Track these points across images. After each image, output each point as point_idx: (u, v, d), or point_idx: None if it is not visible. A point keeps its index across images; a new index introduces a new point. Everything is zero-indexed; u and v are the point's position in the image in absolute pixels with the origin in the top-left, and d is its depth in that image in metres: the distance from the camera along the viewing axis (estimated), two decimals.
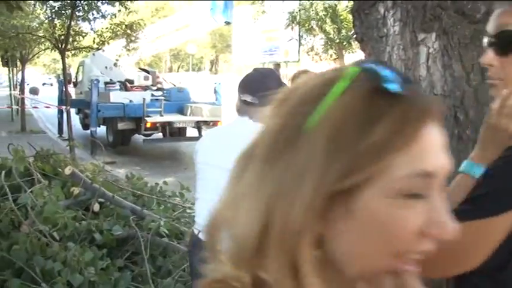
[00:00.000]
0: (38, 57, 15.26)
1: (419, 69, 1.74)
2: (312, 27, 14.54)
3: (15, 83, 16.45)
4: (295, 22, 14.63)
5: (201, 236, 1.85)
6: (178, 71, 40.02)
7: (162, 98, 10.89)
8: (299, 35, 15.79)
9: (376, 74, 0.46)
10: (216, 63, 42.32)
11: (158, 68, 35.58)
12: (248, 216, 0.46)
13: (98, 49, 10.25)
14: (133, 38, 10.19)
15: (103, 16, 9.72)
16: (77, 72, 13.85)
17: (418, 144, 0.45)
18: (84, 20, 9.51)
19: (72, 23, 9.00)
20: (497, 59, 0.98)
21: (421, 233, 0.46)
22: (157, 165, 9.24)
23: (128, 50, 10.47)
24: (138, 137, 11.00)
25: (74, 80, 13.66)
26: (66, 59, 9.42)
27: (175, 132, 11.03)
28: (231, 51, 22.58)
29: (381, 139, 0.44)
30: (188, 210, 4.28)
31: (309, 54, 15.33)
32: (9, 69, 15.95)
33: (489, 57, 0.99)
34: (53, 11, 9.17)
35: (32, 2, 9.61)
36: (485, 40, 1.01)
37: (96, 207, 3.74)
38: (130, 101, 10.55)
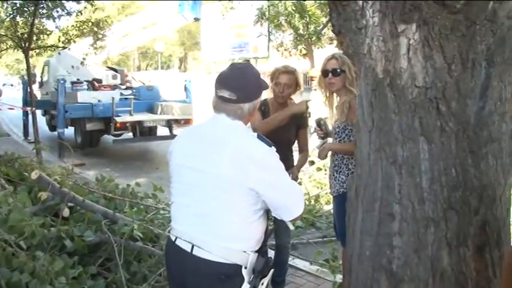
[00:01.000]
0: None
1: (400, 61, 1.68)
2: (280, 23, 14.53)
3: None
4: (264, 18, 14.58)
5: (178, 243, 1.75)
6: (146, 70, 39.45)
7: (132, 96, 10.64)
8: (268, 30, 15.79)
9: None
10: (184, 60, 41.94)
11: (126, 66, 34.93)
12: None
13: (63, 48, 9.91)
14: (100, 36, 9.85)
15: (68, 13, 9.36)
16: (42, 72, 13.43)
17: None
18: (48, 17, 9.12)
19: (36, 21, 8.64)
20: None
21: None
22: (128, 166, 9.06)
23: (95, 48, 10.11)
24: (108, 138, 10.75)
25: (40, 80, 13.20)
26: (30, 58, 9.03)
27: (146, 132, 10.85)
28: (200, 48, 22.40)
29: None
30: (162, 212, 4.18)
31: (278, 50, 15.32)
32: None
33: None
34: (15, 8, 8.76)
35: None
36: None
37: (65, 212, 3.56)
38: (99, 100, 10.27)
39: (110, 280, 2.99)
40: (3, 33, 9.55)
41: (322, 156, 2.87)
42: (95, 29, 9.66)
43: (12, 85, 32.23)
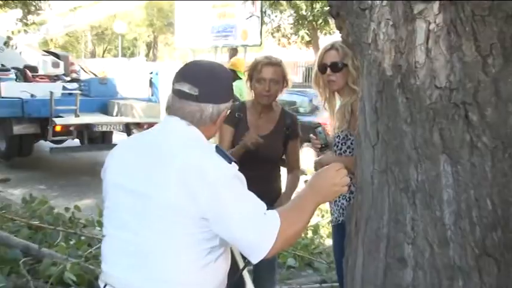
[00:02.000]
0: None
1: (415, 53, 1.67)
2: (278, 0, 14.64)
3: None
4: None
5: None
6: (103, 57, 39.58)
7: (78, 92, 10.61)
8: (261, 11, 15.85)
9: None
10: (154, 46, 42.15)
11: (76, 51, 34.92)
12: None
13: None
14: (32, 8, 9.68)
15: None
16: None
17: None
18: None
19: None
20: None
21: None
22: (71, 182, 9.04)
23: (26, 24, 9.93)
24: (44, 145, 10.72)
25: None
26: None
27: (97, 138, 10.88)
28: (174, 31, 22.41)
29: None
30: None
31: (274, 37, 15.43)
32: None
33: None
34: None
35: None
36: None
37: None
38: (32, 95, 10.19)
39: None
40: None
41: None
42: None
43: None
